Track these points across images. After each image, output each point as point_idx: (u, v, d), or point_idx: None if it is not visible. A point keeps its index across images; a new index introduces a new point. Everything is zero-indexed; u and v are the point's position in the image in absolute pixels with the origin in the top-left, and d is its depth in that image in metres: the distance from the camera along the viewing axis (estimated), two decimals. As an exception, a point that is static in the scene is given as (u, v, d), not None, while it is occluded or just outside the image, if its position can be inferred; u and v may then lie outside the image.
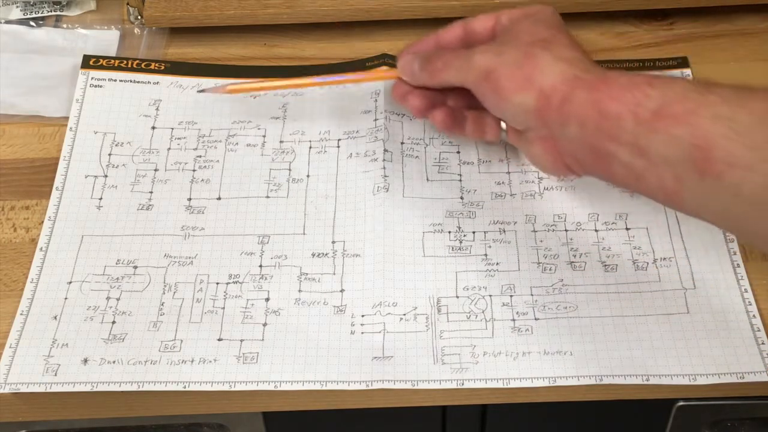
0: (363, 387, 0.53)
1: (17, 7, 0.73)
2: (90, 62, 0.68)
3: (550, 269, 0.58)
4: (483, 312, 0.56)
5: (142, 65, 0.68)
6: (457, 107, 0.59)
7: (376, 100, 0.65)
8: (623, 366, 0.53)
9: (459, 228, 0.59)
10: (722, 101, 0.45)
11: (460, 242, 0.59)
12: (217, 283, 0.57)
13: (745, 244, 0.57)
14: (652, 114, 0.46)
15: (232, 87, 0.63)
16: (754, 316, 0.55)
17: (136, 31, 0.72)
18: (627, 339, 0.54)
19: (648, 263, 0.58)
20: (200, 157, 0.64)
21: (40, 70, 0.69)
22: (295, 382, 0.53)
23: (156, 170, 0.63)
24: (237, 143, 0.64)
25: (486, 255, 0.58)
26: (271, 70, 0.69)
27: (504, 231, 0.59)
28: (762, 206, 0.44)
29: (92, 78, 0.67)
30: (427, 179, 0.62)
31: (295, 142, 0.64)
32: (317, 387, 0.53)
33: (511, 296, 0.56)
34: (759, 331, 0.54)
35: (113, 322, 0.55)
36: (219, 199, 0.62)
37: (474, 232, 0.59)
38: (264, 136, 0.65)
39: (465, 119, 0.59)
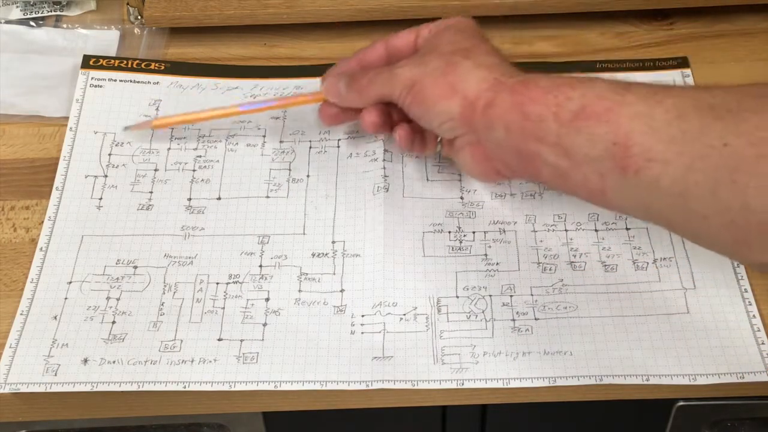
0: (363, 387, 0.53)
1: (17, 7, 0.73)
2: (90, 62, 0.68)
3: (550, 269, 0.58)
4: (483, 312, 0.56)
5: (142, 65, 0.68)
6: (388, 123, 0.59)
7: (376, 100, 0.65)
8: (623, 366, 0.53)
9: (459, 228, 0.59)
10: (639, 99, 0.46)
11: (460, 242, 0.59)
12: (217, 283, 0.57)
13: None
14: (573, 114, 0.48)
15: (157, 122, 0.63)
16: (754, 316, 0.55)
17: (136, 31, 0.72)
18: (627, 339, 0.54)
19: (648, 263, 0.58)
20: (200, 157, 0.64)
21: (40, 70, 0.69)
22: (295, 382, 0.53)
23: (156, 170, 0.63)
24: (237, 143, 0.64)
25: (486, 255, 0.58)
26: (271, 70, 0.69)
27: (504, 231, 0.59)
28: (680, 197, 0.45)
29: (92, 78, 0.67)
30: (427, 179, 0.62)
31: (295, 142, 0.64)
32: (317, 387, 0.53)
33: (511, 296, 0.56)
34: (759, 331, 0.54)
35: (113, 322, 0.55)
36: (219, 199, 0.62)
37: (474, 232, 0.59)
38: (264, 136, 0.65)
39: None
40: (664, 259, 0.58)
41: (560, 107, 0.48)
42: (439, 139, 0.58)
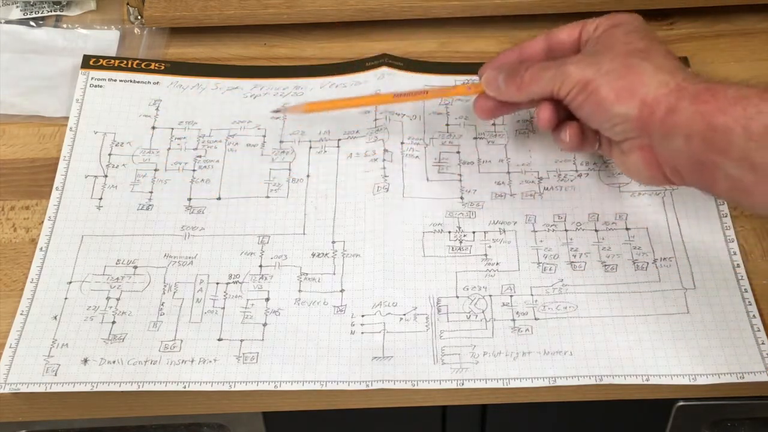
0: (363, 387, 0.53)
1: (17, 7, 0.73)
2: (90, 62, 0.68)
3: (550, 269, 0.57)
4: (483, 312, 0.56)
5: (142, 65, 0.68)
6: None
7: (376, 100, 0.66)
8: (623, 366, 0.53)
9: (459, 228, 0.59)
10: None
11: (460, 242, 0.59)
12: (217, 283, 0.57)
13: None
14: (766, 129, 0.46)
15: (311, 105, 0.62)
16: (754, 316, 0.55)
17: (136, 31, 0.72)
18: (627, 339, 0.54)
19: (648, 263, 0.58)
20: (200, 157, 0.64)
21: (40, 70, 0.69)
22: (295, 382, 0.53)
23: (156, 170, 0.63)
24: (237, 143, 0.64)
25: (486, 255, 0.58)
26: (271, 70, 0.69)
27: (504, 231, 0.59)
28: None
29: (92, 78, 0.67)
30: (427, 179, 0.62)
31: (295, 142, 0.64)
32: (317, 387, 0.53)
33: (511, 296, 0.56)
34: (759, 331, 0.54)
35: (113, 322, 0.55)
36: (219, 199, 0.61)
37: (474, 232, 0.59)
38: (264, 136, 0.65)
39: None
40: (664, 259, 0.58)
41: (750, 120, 0.46)
42: (599, 137, 0.56)
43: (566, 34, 0.58)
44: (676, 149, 0.50)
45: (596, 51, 0.54)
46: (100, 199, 0.61)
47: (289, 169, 0.63)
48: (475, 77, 0.67)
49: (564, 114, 0.56)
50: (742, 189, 0.48)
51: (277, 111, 0.64)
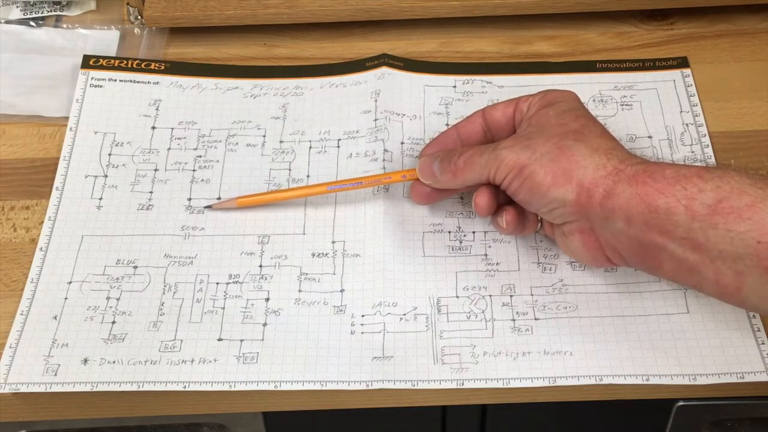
0: (363, 387, 0.53)
1: (17, 7, 0.73)
2: (90, 62, 0.68)
3: (550, 269, 0.57)
4: (483, 312, 0.56)
5: (142, 65, 0.68)
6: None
7: (376, 100, 0.65)
8: (623, 366, 0.53)
9: (459, 228, 0.59)
10: None
11: (460, 242, 0.59)
12: (217, 283, 0.57)
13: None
14: (708, 208, 0.46)
15: (242, 200, 0.60)
16: (754, 316, 0.55)
17: (136, 31, 0.72)
18: (627, 339, 0.54)
19: (648, 263, 0.57)
20: (200, 157, 0.64)
21: (40, 70, 0.69)
22: (295, 382, 0.53)
23: (156, 170, 0.63)
24: (237, 143, 0.64)
25: (486, 255, 0.58)
26: (271, 70, 0.69)
27: (504, 231, 0.59)
28: None
29: (92, 78, 0.67)
30: (427, 179, 0.62)
31: (295, 142, 0.64)
32: (317, 387, 0.53)
33: (511, 296, 0.56)
34: (759, 331, 0.54)
35: (113, 322, 0.55)
36: (219, 199, 0.61)
37: (474, 232, 0.59)
38: (264, 136, 0.65)
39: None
40: (664, 259, 0.58)
41: (691, 200, 0.46)
42: (539, 219, 0.56)
43: (501, 112, 0.57)
44: (617, 232, 0.49)
45: (529, 133, 0.53)
46: (100, 199, 0.61)
47: (289, 169, 0.63)
48: (474, 77, 0.68)
49: (503, 198, 0.55)
50: (689, 270, 0.48)
51: (208, 207, 0.61)
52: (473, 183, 0.55)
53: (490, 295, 0.56)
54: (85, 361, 0.54)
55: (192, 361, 0.54)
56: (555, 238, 0.55)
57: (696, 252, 0.47)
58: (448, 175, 0.55)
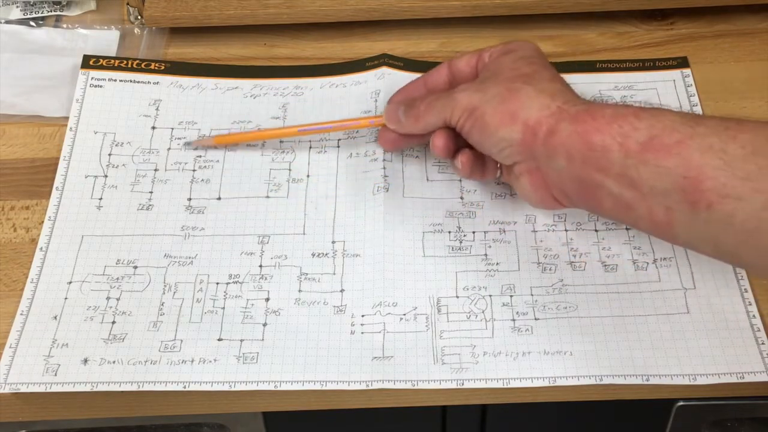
0: (363, 387, 0.53)
1: (17, 7, 0.73)
2: (90, 62, 0.68)
3: (550, 269, 0.58)
4: (483, 312, 0.56)
5: (142, 65, 0.68)
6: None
7: (376, 100, 0.65)
8: (623, 366, 0.53)
9: (459, 228, 0.59)
10: (711, 133, 0.46)
11: (460, 242, 0.59)
12: (217, 283, 0.57)
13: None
14: (641, 146, 0.47)
15: (219, 139, 0.63)
16: (754, 316, 0.55)
17: (136, 31, 0.72)
18: (627, 339, 0.54)
19: (648, 263, 0.58)
20: (200, 157, 0.64)
21: (40, 70, 0.69)
22: (295, 382, 0.53)
23: (156, 170, 0.63)
24: (237, 143, 0.64)
25: (486, 255, 0.58)
26: (271, 70, 0.69)
27: (504, 231, 0.59)
28: (754, 235, 0.44)
29: (92, 78, 0.67)
30: (427, 179, 0.62)
31: (295, 142, 0.64)
32: (317, 387, 0.53)
33: (511, 296, 0.56)
34: (759, 331, 0.54)
35: (113, 322, 0.55)
36: (219, 199, 0.61)
37: (474, 232, 0.59)
38: (264, 136, 0.65)
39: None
40: (664, 259, 0.58)
41: (626, 137, 0.48)
42: (498, 165, 0.58)
43: (465, 62, 0.59)
44: (560, 170, 0.51)
45: (484, 78, 0.56)
46: (100, 199, 0.61)
47: (289, 169, 0.63)
48: None
49: (462, 143, 0.57)
50: (625, 207, 0.49)
51: (188, 143, 0.64)
52: (433, 127, 0.57)
53: (490, 295, 0.56)
54: (85, 361, 0.54)
55: (192, 361, 0.54)
56: (510, 182, 0.57)
57: (630, 189, 0.48)
58: (411, 120, 0.57)
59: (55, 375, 0.53)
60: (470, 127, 0.54)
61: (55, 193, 0.61)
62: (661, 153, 0.46)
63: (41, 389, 0.52)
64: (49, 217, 0.60)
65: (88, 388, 0.52)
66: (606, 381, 0.53)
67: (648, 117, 0.48)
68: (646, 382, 0.52)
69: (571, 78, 0.67)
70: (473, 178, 0.59)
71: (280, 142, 0.64)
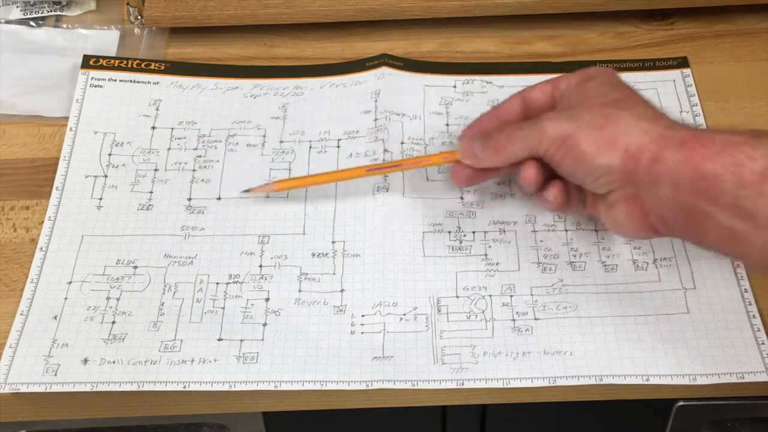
0: (363, 387, 0.53)
1: (17, 7, 0.73)
2: (90, 62, 0.68)
3: (550, 269, 0.57)
4: (483, 312, 0.56)
5: (142, 65, 0.68)
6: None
7: (376, 100, 0.65)
8: (623, 366, 0.53)
9: (459, 228, 0.59)
10: None
11: (460, 242, 0.59)
12: (217, 283, 0.57)
13: None
14: (758, 176, 0.45)
15: (280, 185, 0.60)
16: (754, 316, 0.55)
17: (136, 31, 0.72)
18: (627, 339, 0.54)
19: (648, 263, 0.57)
20: (200, 157, 0.64)
21: (40, 70, 0.69)
22: (295, 382, 0.53)
23: (156, 170, 0.63)
24: (237, 143, 0.64)
25: (486, 255, 0.58)
26: (271, 70, 0.69)
27: (504, 231, 0.59)
28: None
29: (92, 78, 0.67)
30: (427, 179, 0.62)
31: (295, 142, 0.64)
32: (317, 387, 0.53)
33: (511, 296, 0.56)
34: (759, 331, 0.54)
35: (113, 322, 0.55)
36: (219, 199, 0.62)
37: (474, 232, 0.59)
38: (264, 136, 0.65)
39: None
40: (664, 259, 0.58)
41: (741, 167, 0.45)
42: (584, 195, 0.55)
43: (539, 91, 0.56)
44: (664, 198, 0.49)
45: (571, 105, 0.53)
46: (100, 199, 0.61)
47: (289, 169, 0.63)
48: (474, 77, 0.68)
49: (548, 173, 0.55)
50: (735, 238, 0.47)
51: (247, 191, 0.61)
52: (515, 159, 0.54)
53: (490, 295, 0.56)
54: (85, 361, 0.54)
55: (192, 361, 0.54)
56: (599, 212, 0.54)
57: (743, 220, 0.46)
58: (491, 152, 0.54)
59: (55, 375, 0.53)
60: (562, 156, 0.51)
61: (55, 193, 0.61)
62: None
63: (41, 389, 0.52)
64: (49, 217, 0.60)
65: (88, 388, 0.52)
66: (606, 381, 0.53)
67: (764, 146, 0.46)
68: (646, 382, 0.52)
69: (571, 78, 0.67)
70: (560, 211, 0.56)
71: (281, 142, 0.64)
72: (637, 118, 0.50)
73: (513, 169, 0.55)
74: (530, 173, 0.54)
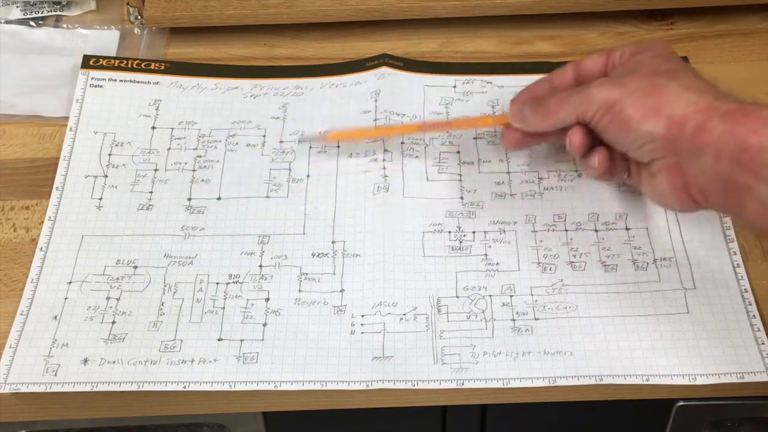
0: (363, 387, 0.53)
1: (17, 7, 0.73)
2: (90, 62, 0.68)
3: (550, 269, 0.57)
4: (483, 312, 0.56)
5: (142, 65, 0.68)
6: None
7: (376, 100, 0.65)
8: (623, 366, 0.53)
9: (459, 228, 0.59)
10: None
11: (460, 242, 0.59)
12: (217, 283, 0.57)
13: None
14: None
15: (332, 135, 0.62)
16: (754, 316, 0.55)
17: (136, 31, 0.72)
18: (627, 339, 0.54)
19: (648, 263, 0.58)
20: (200, 157, 0.64)
21: (40, 70, 0.69)
22: (295, 382, 0.53)
23: (156, 170, 0.63)
24: (237, 143, 0.64)
25: (486, 255, 0.58)
26: (271, 70, 0.69)
27: (504, 231, 0.59)
28: None
29: (92, 78, 0.67)
30: (427, 179, 0.62)
31: (295, 142, 0.64)
32: (317, 387, 0.53)
33: (511, 296, 0.56)
34: (759, 331, 0.54)
35: (113, 322, 0.55)
36: (219, 199, 0.62)
37: (474, 232, 0.59)
38: (264, 136, 0.65)
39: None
40: (664, 259, 0.58)
41: None
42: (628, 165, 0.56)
43: (592, 62, 0.57)
44: (705, 168, 0.49)
45: (622, 74, 0.54)
46: (100, 199, 0.61)
47: (289, 169, 0.63)
48: (474, 77, 0.68)
49: (594, 141, 0.55)
50: None
51: (302, 139, 0.64)
52: (564, 124, 0.55)
53: (490, 295, 0.56)
54: (85, 361, 0.54)
55: (192, 361, 0.54)
56: (641, 182, 0.54)
57: None
58: (540, 117, 0.55)
59: (55, 375, 0.53)
60: (608, 122, 0.52)
61: (55, 193, 0.61)
62: None
63: (41, 389, 0.52)
64: (49, 217, 0.60)
65: (88, 388, 0.52)
66: (606, 381, 0.53)
67: None
68: (646, 382, 0.52)
69: (571, 78, 0.67)
70: (603, 178, 0.57)
71: (281, 142, 0.64)
72: (686, 89, 0.50)
73: (561, 135, 0.56)
74: (576, 138, 0.54)
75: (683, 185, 0.51)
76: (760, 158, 0.46)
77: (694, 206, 0.52)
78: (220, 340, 0.55)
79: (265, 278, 0.57)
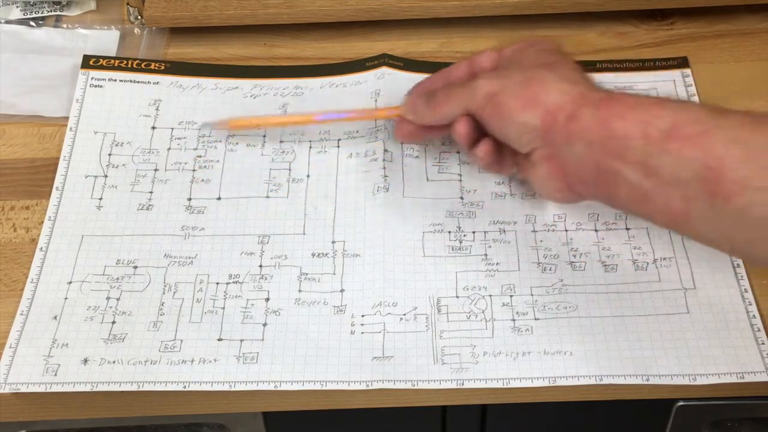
0: (363, 387, 0.53)
1: (17, 7, 0.73)
2: (90, 62, 0.68)
3: (550, 269, 0.58)
4: (483, 312, 0.56)
5: (142, 65, 0.68)
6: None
7: (376, 100, 0.65)
8: (623, 366, 0.53)
9: (459, 228, 0.59)
10: (736, 125, 0.45)
11: (460, 242, 0.59)
12: (217, 283, 0.57)
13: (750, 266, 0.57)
14: (663, 134, 0.47)
15: (234, 123, 0.63)
16: (754, 316, 0.55)
17: (136, 31, 0.72)
18: (627, 339, 0.54)
19: (648, 263, 0.58)
20: (200, 157, 0.64)
21: (40, 70, 0.69)
22: (295, 382, 0.53)
23: (156, 170, 0.63)
24: (237, 143, 0.64)
25: (486, 255, 0.58)
26: (271, 70, 0.69)
27: (504, 231, 0.59)
28: None
29: (92, 78, 0.67)
30: (427, 179, 0.62)
31: (295, 142, 0.64)
32: (317, 387, 0.53)
33: (511, 296, 0.56)
34: (759, 331, 0.54)
35: (113, 322, 0.55)
36: (219, 199, 0.62)
37: (474, 232, 0.59)
38: (264, 136, 0.65)
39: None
40: (664, 259, 0.58)
41: (648, 125, 0.47)
42: (515, 159, 0.57)
43: (486, 57, 0.59)
44: (578, 156, 0.50)
45: (506, 67, 0.56)
46: (100, 199, 0.61)
47: (289, 169, 0.63)
48: None
49: (482, 133, 0.56)
50: (643, 196, 0.48)
51: (205, 123, 0.65)
52: (452, 116, 0.56)
53: (490, 295, 0.56)
54: (85, 361, 0.54)
55: (192, 361, 0.54)
56: (527, 174, 0.56)
57: (649, 178, 0.47)
58: (430, 110, 0.57)
59: (55, 375, 0.53)
60: (490, 112, 0.54)
61: (55, 193, 0.61)
62: (683, 142, 0.46)
63: (41, 389, 0.52)
64: (49, 217, 0.60)
65: (88, 388, 0.52)
66: (606, 381, 0.53)
67: (672, 107, 0.48)
68: (646, 382, 0.52)
69: (571, 78, 0.67)
70: (492, 170, 0.59)
71: (281, 142, 0.64)
72: (561, 80, 0.52)
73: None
74: (462, 128, 0.56)
75: (562, 175, 0.53)
76: (626, 143, 0.48)
77: (575, 196, 0.54)
78: (220, 340, 0.55)
79: (265, 278, 0.57)
